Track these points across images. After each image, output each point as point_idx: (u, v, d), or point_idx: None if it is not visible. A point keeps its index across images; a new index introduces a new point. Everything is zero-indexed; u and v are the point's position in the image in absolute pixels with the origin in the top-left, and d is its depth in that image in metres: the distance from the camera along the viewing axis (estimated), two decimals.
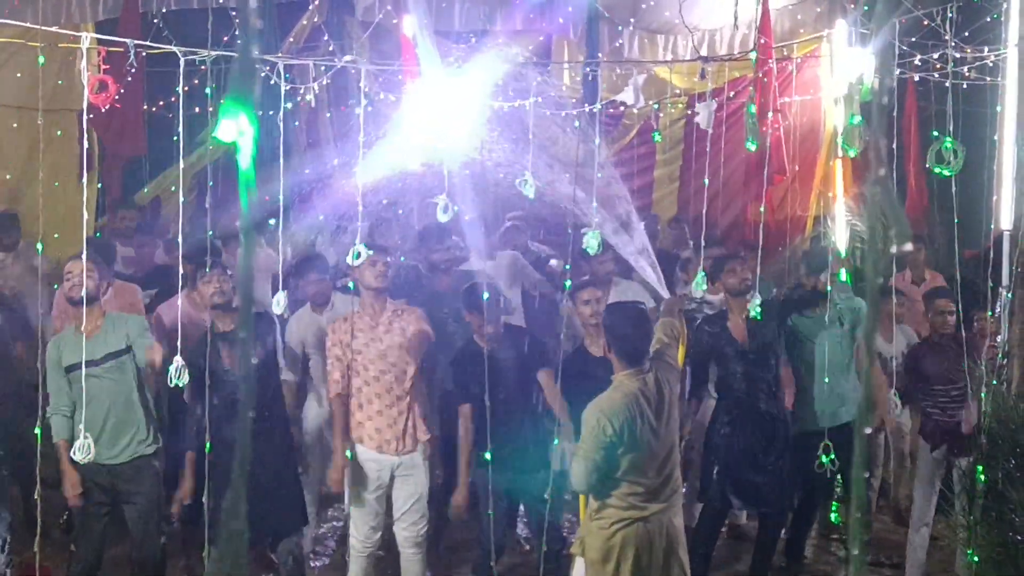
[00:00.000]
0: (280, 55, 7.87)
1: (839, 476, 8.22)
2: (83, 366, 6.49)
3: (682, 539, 6.25)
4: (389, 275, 7.44)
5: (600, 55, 10.34)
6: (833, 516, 8.67)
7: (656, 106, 11.53)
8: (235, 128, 1.79)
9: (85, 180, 7.56)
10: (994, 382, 7.75)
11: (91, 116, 6.60)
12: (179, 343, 6.42)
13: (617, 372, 6.11)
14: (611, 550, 5.98)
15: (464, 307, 7.61)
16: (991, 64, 9.20)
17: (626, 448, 5.88)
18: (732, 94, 10.13)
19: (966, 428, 8.01)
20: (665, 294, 8.59)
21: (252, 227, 1.98)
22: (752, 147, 7.72)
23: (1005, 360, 7.85)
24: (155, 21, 9.47)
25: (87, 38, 6.33)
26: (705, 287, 7.80)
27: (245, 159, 1.81)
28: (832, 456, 7.61)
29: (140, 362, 6.96)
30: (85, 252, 6.54)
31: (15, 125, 8.72)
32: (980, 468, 7.43)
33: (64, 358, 6.87)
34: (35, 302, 7.59)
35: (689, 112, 11.08)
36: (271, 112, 7.97)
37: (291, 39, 9.08)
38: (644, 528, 5.98)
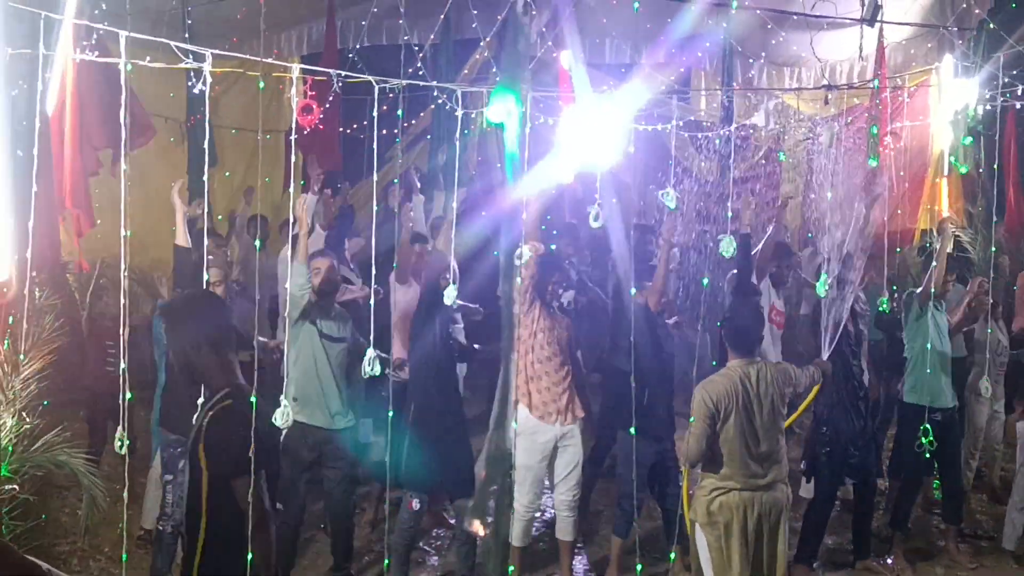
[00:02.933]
0: (457, 84, 8.18)
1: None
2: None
3: (782, 509, 6.38)
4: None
5: (734, 84, 10.42)
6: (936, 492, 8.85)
7: (781, 129, 11.56)
8: (504, 110, 1.99)
9: (292, 189, 7.77)
10: None
11: (296, 136, 6.80)
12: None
13: (730, 359, 6.39)
14: (712, 514, 6.24)
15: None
16: None
17: (723, 423, 6.16)
18: (850, 119, 9.93)
19: None
20: None
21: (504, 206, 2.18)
22: (873, 163, 8.01)
23: None
24: (351, 55, 9.63)
25: (296, 68, 6.51)
26: (826, 288, 7.81)
27: (511, 136, 2.03)
28: (930, 437, 7.79)
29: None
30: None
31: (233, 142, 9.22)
32: None
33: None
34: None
35: (812, 134, 10.86)
36: (445, 135, 8.50)
37: (466, 71, 9.35)
38: (740, 497, 6.21)
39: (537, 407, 7.46)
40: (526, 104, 7.66)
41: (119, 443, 4.95)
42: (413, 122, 10.26)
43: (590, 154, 6.99)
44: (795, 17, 9.20)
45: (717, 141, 9.82)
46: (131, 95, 8.97)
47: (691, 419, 6.26)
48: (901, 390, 8.64)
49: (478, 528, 6.71)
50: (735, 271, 8.88)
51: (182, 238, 6.92)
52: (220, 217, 10.23)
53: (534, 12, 9.12)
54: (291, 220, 7.98)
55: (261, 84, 7.17)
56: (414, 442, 7.44)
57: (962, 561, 8.52)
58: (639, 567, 7.74)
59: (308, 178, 9.20)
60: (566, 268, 8.24)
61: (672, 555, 7.74)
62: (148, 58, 6.21)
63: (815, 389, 7.34)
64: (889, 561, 8.44)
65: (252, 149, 8.67)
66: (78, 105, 5.64)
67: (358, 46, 9.95)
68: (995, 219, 9.22)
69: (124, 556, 5.54)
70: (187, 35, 7.46)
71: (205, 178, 6.29)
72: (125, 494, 5.33)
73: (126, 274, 5.39)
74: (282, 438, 6.85)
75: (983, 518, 9.32)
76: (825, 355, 7.60)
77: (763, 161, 11.91)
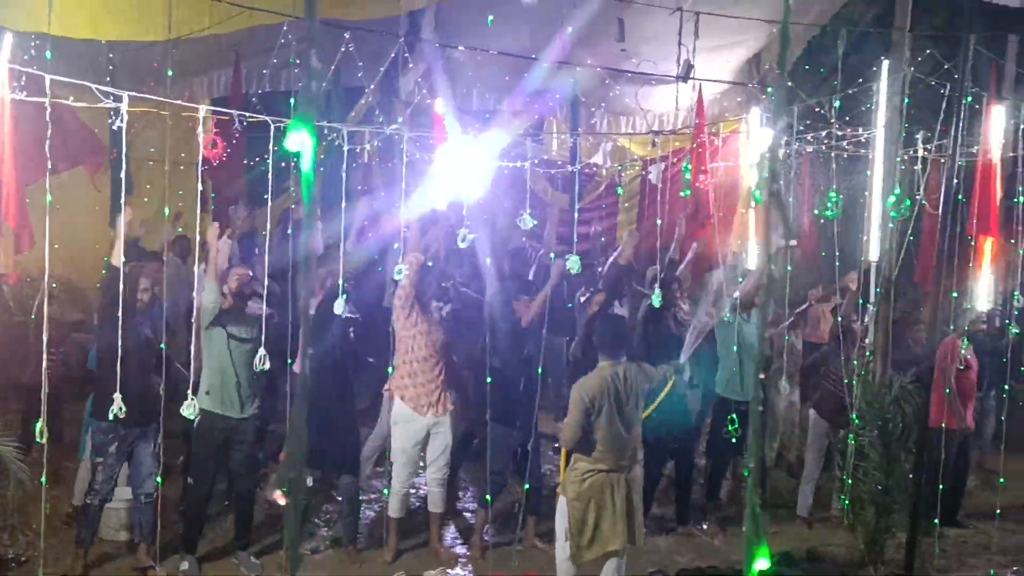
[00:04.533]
0: (344, 124, 8.21)
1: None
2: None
3: (638, 486, 6.57)
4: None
5: (579, 129, 10.63)
6: (745, 470, 8.81)
7: (620, 167, 11.79)
8: (299, 141, 2.12)
9: (199, 214, 7.83)
10: (863, 372, 8.27)
11: (205, 167, 6.95)
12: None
13: (600, 360, 6.53)
14: (582, 493, 6.35)
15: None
16: (863, 140, 9.49)
17: (597, 414, 6.29)
18: (675, 160, 10.30)
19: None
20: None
21: (315, 217, 2.15)
22: (686, 194, 8.33)
23: (871, 357, 8.34)
24: (253, 99, 9.77)
25: (203, 109, 6.62)
26: (660, 301, 8.06)
27: (307, 163, 2.14)
28: (736, 425, 8.05)
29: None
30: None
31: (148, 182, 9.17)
32: (851, 437, 7.99)
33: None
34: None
35: (643, 172, 11.23)
36: (335, 167, 8.51)
37: (353, 114, 9.34)
38: (607, 478, 6.34)
39: (412, 399, 7.56)
40: (404, 145, 7.83)
41: (38, 432, 5.00)
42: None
43: (460, 185, 7.14)
44: (628, 74, 9.49)
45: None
46: (82, 124, 8.85)
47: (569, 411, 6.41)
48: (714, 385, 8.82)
49: (279, 497, 6.88)
50: (599, 289, 9.03)
51: (116, 258, 6.67)
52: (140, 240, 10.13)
53: (411, 65, 9.32)
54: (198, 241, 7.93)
55: (169, 121, 7.32)
56: (312, 428, 7.50)
57: (765, 526, 8.79)
58: (497, 533, 8.03)
59: (217, 207, 9.23)
60: (443, 278, 8.34)
61: (524, 523, 7.93)
62: (71, 98, 6.22)
63: (669, 384, 7.55)
64: (704, 527, 8.68)
65: (170, 179, 8.64)
66: (15, 137, 5.61)
67: (260, 91, 10.06)
68: (792, 243, 9.57)
69: (42, 527, 5.57)
70: (109, 79, 7.41)
71: (123, 201, 6.36)
72: (43, 478, 5.51)
73: (54, 287, 5.43)
74: (195, 425, 7.00)
75: (782, 490, 9.52)
76: (683, 357, 7.82)
77: (604, 194, 12.14)
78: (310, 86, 2.24)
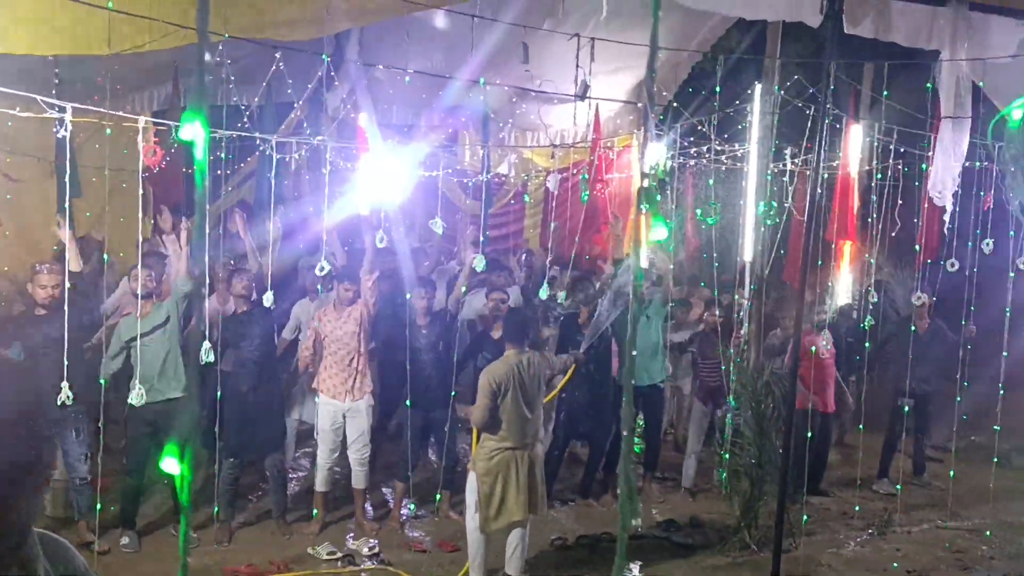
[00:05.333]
0: (275, 136, 8.26)
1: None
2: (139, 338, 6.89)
3: (540, 462, 6.74)
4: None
5: (489, 142, 10.65)
6: (636, 448, 9.16)
7: (525, 177, 11.96)
8: (192, 131, 2.13)
9: (140, 215, 7.51)
10: (738, 360, 8.58)
11: (146, 174, 6.89)
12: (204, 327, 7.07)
13: (507, 349, 6.68)
14: (491, 469, 6.49)
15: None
16: (739, 155, 9.75)
17: (503, 397, 6.43)
18: (575, 171, 10.45)
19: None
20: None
21: (205, 208, 2.21)
22: (584, 200, 8.56)
23: (746, 347, 8.69)
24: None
25: (142, 120, 6.56)
26: (566, 297, 8.45)
27: (199, 151, 2.15)
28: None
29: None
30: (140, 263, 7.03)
31: (94, 180, 8.89)
32: (728, 417, 8.31)
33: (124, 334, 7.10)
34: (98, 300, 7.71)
35: (546, 182, 11.00)
36: (268, 174, 8.61)
37: (283, 127, 9.41)
38: (512, 455, 6.49)
39: (329, 388, 7.73)
40: (330, 155, 7.92)
41: None
42: (242, 165, 10.35)
43: (381, 192, 7.20)
44: (532, 93, 9.66)
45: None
46: None
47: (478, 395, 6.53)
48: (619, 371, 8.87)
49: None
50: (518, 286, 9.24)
51: (75, 264, 6.66)
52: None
53: (337, 83, 9.41)
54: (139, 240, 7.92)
55: (108, 131, 7.31)
56: (238, 415, 7.60)
57: (655, 496, 9.00)
58: (412, 506, 8.21)
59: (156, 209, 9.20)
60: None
61: (439, 496, 8.12)
62: (17, 108, 6.22)
63: (570, 372, 7.70)
64: (600, 499, 8.84)
65: (111, 186, 8.59)
66: None
67: None
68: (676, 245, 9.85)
69: None
70: (54, 92, 7.42)
71: (67, 206, 6.40)
72: None
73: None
74: (126, 412, 7.04)
75: (669, 465, 9.69)
76: (582, 348, 8.00)
77: (512, 201, 12.33)
78: (202, 79, 2.37)
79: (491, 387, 6.46)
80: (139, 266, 7.12)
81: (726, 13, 8.77)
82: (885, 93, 8.63)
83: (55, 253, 8.54)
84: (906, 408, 9.34)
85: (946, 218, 7.47)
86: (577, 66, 7.38)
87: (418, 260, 9.24)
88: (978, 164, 8.48)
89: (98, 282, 8.10)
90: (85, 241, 9.17)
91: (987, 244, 7.56)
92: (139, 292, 6.99)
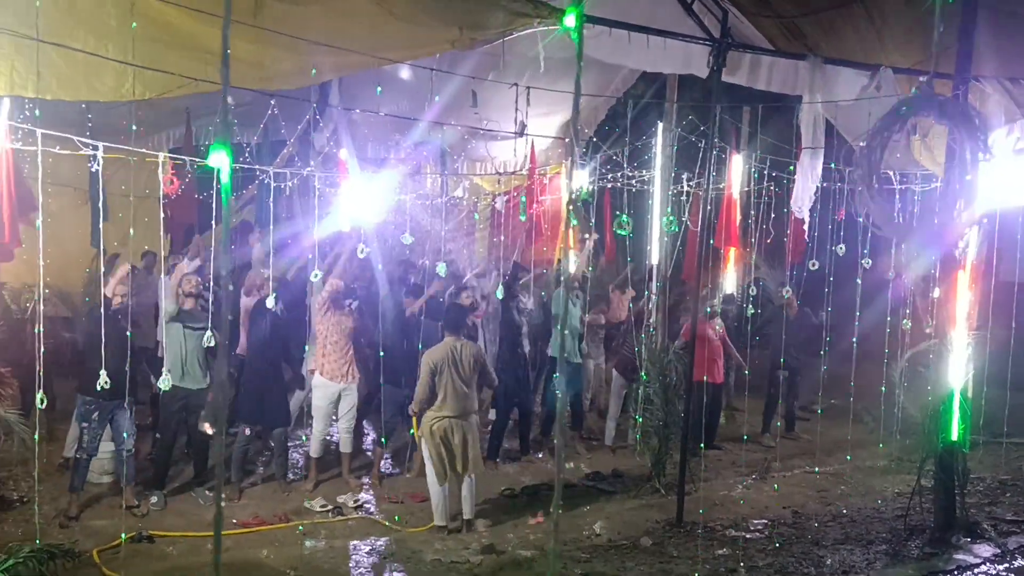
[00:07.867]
0: (271, 167, 8.16)
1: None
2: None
3: (475, 431, 6.71)
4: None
5: (446, 171, 10.73)
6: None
7: (475, 199, 11.95)
8: (220, 159, 2.12)
9: (162, 235, 7.53)
10: (648, 342, 8.40)
11: (165, 200, 6.84)
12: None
13: (446, 336, 6.77)
14: (432, 433, 6.54)
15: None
16: (646, 179, 9.70)
17: (440, 375, 6.48)
18: (515, 194, 10.38)
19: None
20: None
21: (230, 220, 2.15)
22: (523, 218, 8.56)
23: (653, 331, 8.57)
24: (202, 148, 9.54)
25: (162, 155, 6.39)
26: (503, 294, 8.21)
27: (224, 176, 2.11)
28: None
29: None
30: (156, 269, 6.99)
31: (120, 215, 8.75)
32: (640, 388, 8.16)
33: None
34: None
35: (492, 203, 11.37)
36: (267, 199, 8.48)
37: (278, 160, 9.27)
38: (449, 423, 6.53)
39: (327, 372, 7.66)
40: (317, 182, 7.82)
41: (40, 400, 4.92)
42: (244, 192, 10.21)
43: (360, 213, 7.17)
44: (481, 132, 9.64)
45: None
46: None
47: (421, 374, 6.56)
48: (548, 348, 9.06)
49: (208, 427, 6.92)
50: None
51: (110, 291, 6.50)
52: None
53: (322, 124, 9.32)
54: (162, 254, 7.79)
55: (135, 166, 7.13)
56: (248, 392, 7.56)
57: (582, 453, 8.99)
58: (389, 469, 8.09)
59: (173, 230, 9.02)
60: (348, 293, 8.37)
61: (410, 458, 8.05)
62: (58, 147, 6.06)
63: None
64: (540, 455, 8.86)
65: (136, 210, 8.41)
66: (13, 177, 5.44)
67: (207, 142, 9.88)
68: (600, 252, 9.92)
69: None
70: (88, 132, 7.24)
71: (101, 227, 6.21)
72: (36, 435, 5.50)
73: (46, 292, 5.29)
74: (161, 395, 6.93)
75: (593, 427, 9.74)
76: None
77: (465, 219, 12.17)
78: (226, 117, 2.33)
79: (430, 367, 6.48)
80: (169, 273, 7.15)
81: (634, 67, 8.81)
82: (759, 129, 8.73)
83: (88, 275, 8.37)
84: (781, 377, 9.43)
85: (806, 227, 7.56)
86: (516, 109, 7.39)
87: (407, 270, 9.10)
88: (833, 185, 8.60)
89: (155, 285, 8.09)
90: (148, 255, 9.02)
91: (840, 248, 7.69)
92: (184, 290, 7.04)
